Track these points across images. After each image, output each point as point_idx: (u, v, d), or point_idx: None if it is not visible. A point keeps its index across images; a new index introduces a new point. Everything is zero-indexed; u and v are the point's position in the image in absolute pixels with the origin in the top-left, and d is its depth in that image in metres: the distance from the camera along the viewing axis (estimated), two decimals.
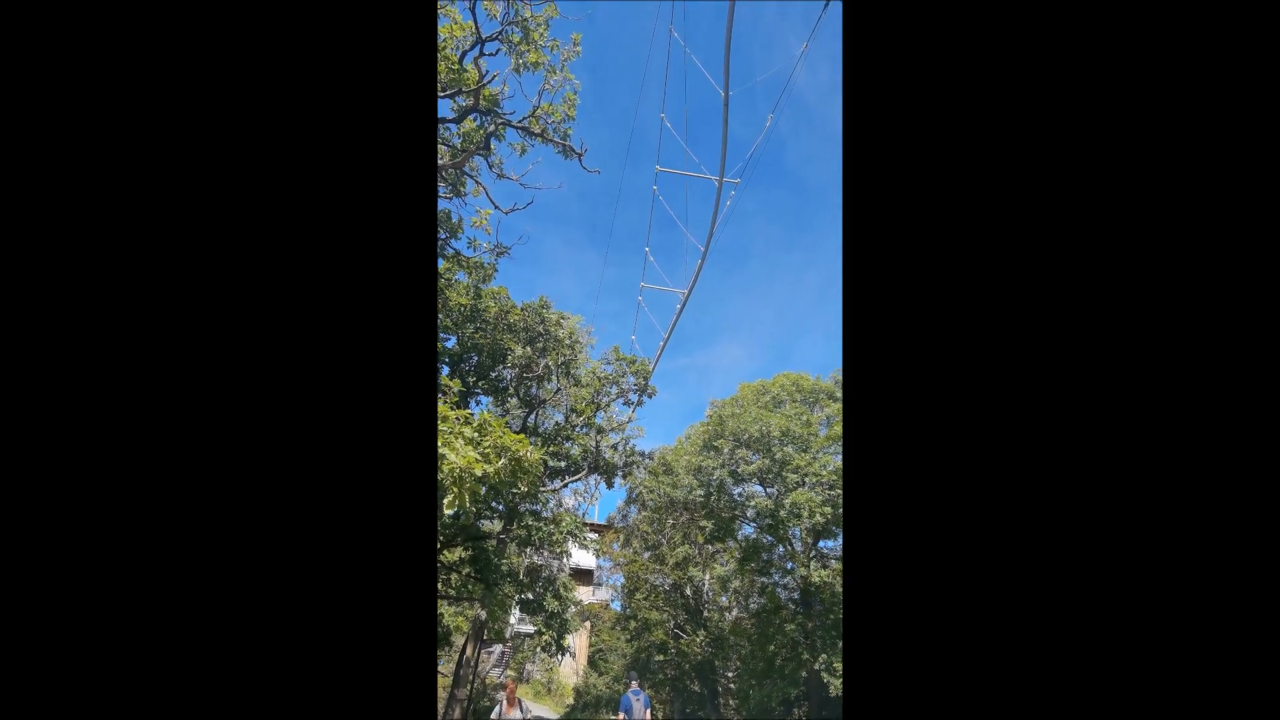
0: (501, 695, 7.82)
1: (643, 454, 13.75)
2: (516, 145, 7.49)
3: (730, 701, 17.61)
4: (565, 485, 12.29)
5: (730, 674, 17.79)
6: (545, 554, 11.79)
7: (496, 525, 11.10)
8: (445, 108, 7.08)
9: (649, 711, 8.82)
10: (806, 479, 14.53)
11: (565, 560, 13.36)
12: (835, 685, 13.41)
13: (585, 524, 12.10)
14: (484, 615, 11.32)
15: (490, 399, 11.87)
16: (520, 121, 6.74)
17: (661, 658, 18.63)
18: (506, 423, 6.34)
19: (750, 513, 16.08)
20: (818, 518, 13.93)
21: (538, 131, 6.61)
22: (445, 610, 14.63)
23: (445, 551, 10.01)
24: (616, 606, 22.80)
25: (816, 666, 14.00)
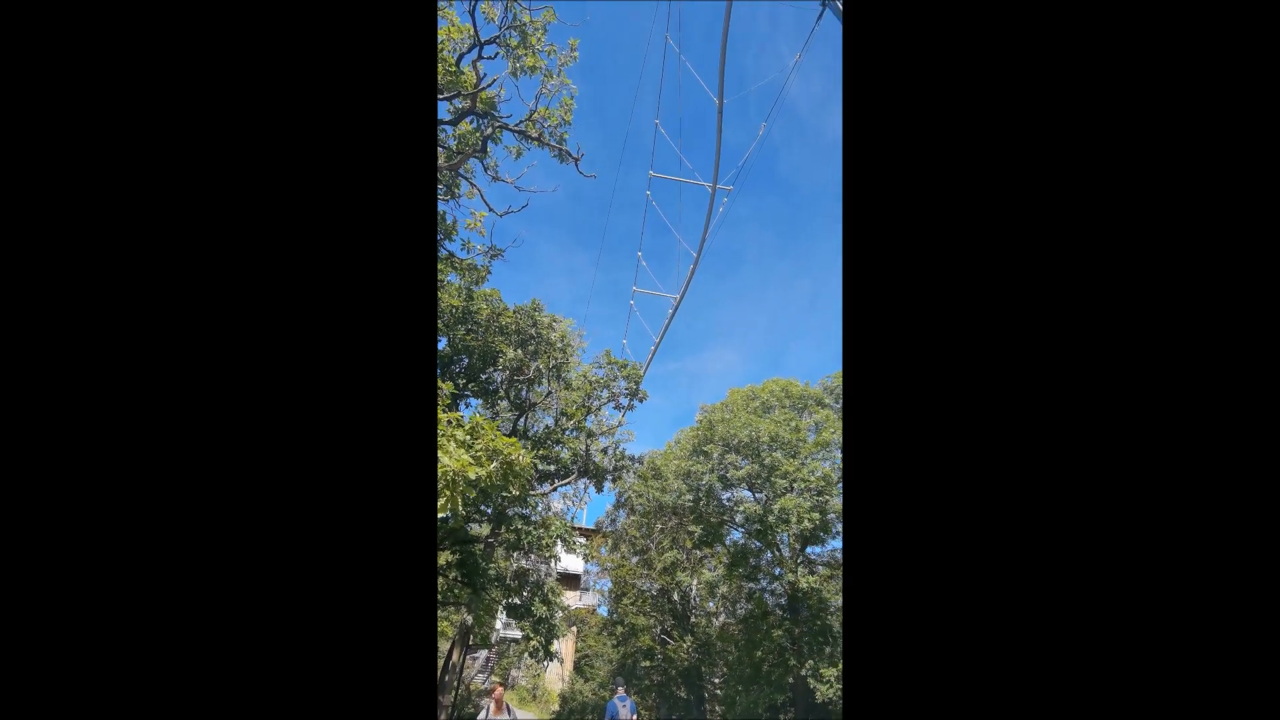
0: (486, 701, 7.75)
1: (632, 458, 13.75)
2: (512, 148, 7.50)
3: (716, 708, 17.59)
4: (555, 489, 12.25)
5: (717, 680, 17.78)
6: (534, 558, 11.72)
7: (485, 529, 11.03)
8: (442, 109, 7.07)
9: (635, 718, 8.78)
10: (795, 484, 14.62)
11: (553, 565, 13.29)
12: (821, 691, 13.46)
13: (574, 528, 12.05)
14: (470, 620, 11.21)
15: (480, 401, 11.81)
16: (517, 125, 6.76)
17: (648, 663, 18.57)
18: (497, 426, 6.32)
19: (739, 518, 16.13)
20: (806, 523, 14.02)
21: (535, 136, 6.62)
22: None
23: None
24: (603, 612, 22.70)
25: (803, 673, 14.05)
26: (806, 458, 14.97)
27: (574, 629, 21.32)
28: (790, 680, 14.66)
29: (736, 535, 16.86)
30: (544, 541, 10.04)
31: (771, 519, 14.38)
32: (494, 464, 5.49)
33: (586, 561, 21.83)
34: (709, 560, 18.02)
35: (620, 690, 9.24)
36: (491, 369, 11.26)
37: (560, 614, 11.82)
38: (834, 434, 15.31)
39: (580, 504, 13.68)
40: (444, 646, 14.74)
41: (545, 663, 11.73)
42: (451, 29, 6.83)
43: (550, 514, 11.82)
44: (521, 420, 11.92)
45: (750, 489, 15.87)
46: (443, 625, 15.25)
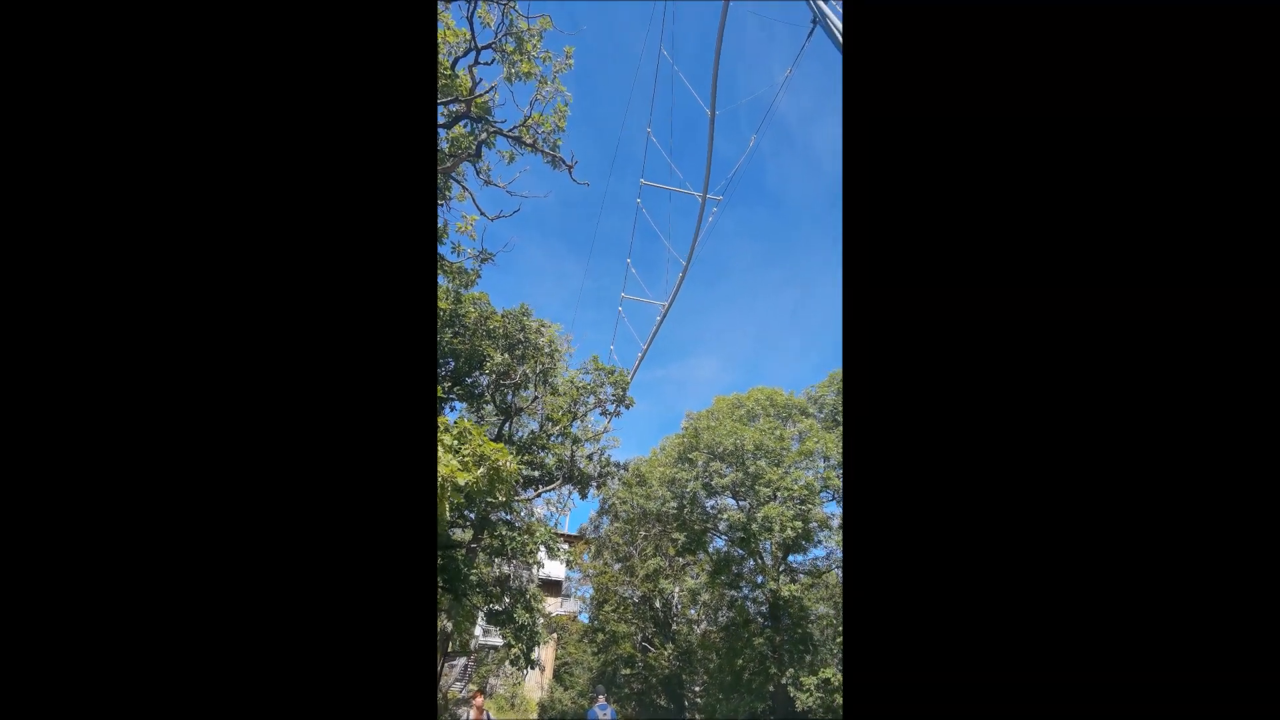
0: (464, 711, 7.64)
1: (618, 465, 13.73)
2: (505, 153, 7.51)
3: (696, 716, 17.55)
4: (539, 495, 12.17)
5: (697, 688, 17.75)
6: (516, 564, 11.62)
7: (467, 534, 10.91)
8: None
9: None
10: (778, 493, 14.73)
11: (535, 571, 13.18)
12: (801, 699, 13.52)
13: (557, 535, 11.98)
14: (450, 627, 11.06)
15: (465, 405, 11.70)
16: (511, 131, 6.77)
17: (628, 671, 18.46)
18: (484, 431, 6.27)
19: (722, 525, 16.19)
20: (788, 532, 14.12)
21: (529, 142, 6.64)
22: None
23: None
24: (584, 619, 22.53)
25: (783, 681, 14.11)
26: (790, 466, 15.11)
27: (554, 636, 21.12)
28: (771, 688, 14.71)
29: (719, 543, 16.91)
30: (528, 548, 9.96)
31: (755, 527, 14.46)
32: (481, 469, 5.45)
33: (569, 568, 21.68)
34: (691, 568, 18.03)
35: (601, 699, 9.19)
36: (477, 373, 11.18)
37: (542, 621, 11.72)
38: (817, 443, 15.48)
39: (564, 510, 13.60)
40: None
41: (526, 671, 11.60)
42: (447, 32, 6.83)
43: (534, 520, 11.74)
44: (507, 425, 11.84)
45: (734, 497, 15.95)
46: None
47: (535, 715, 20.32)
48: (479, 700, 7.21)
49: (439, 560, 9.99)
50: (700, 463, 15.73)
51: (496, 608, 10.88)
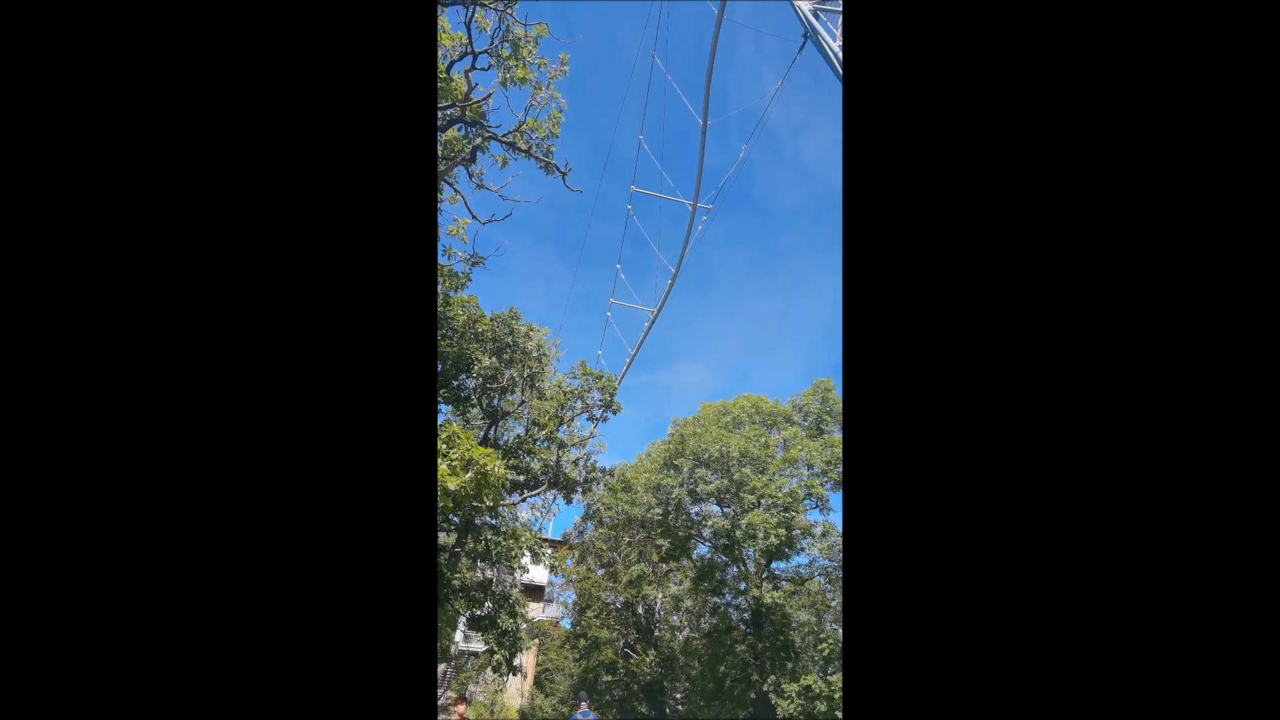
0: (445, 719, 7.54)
1: (603, 470, 13.70)
2: (498, 157, 7.51)
3: None
4: (524, 500, 12.10)
5: (679, 695, 17.71)
6: (500, 569, 11.51)
7: (450, 538, 10.79)
8: None
9: None
10: (762, 500, 14.82)
11: (519, 576, 13.07)
12: (783, 706, 13.57)
13: (542, 540, 11.90)
14: None
15: (451, 408, 11.60)
16: (505, 136, 6.79)
17: (609, 678, 18.36)
18: (472, 436, 6.24)
19: (706, 532, 16.23)
20: (772, 539, 14.21)
21: (524, 148, 6.66)
22: None
23: None
24: (566, 624, 22.37)
25: (765, 688, 14.15)
26: (774, 474, 15.22)
27: (536, 642, 20.92)
28: (752, 695, 14.74)
29: (703, 549, 16.94)
30: (513, 552, 9.89)
31: (739, 534, 14.53)
32: (469, 474, 5.41)
33: (553, 573, 21.52)
34: (675, 574, 18.02)
35: (584, 705, 9.14)
36: (464, 375, 11.10)
37: (525, 626, 11.62)
38: (801, 451, 15.62)
39: (548, 515, 13.52)
40: None
41: (507, 677, 11.48)
42: (443, 36, 6.84)
43: (518, 525, 11.66)
44: (493, 429, 11.77)
45: (719, 503, 16.01)
46: None
47: None
48: (460, 708, 7.12)
49: None
50: (686, 469, 15.77)
51: (478, 613, 10.76)
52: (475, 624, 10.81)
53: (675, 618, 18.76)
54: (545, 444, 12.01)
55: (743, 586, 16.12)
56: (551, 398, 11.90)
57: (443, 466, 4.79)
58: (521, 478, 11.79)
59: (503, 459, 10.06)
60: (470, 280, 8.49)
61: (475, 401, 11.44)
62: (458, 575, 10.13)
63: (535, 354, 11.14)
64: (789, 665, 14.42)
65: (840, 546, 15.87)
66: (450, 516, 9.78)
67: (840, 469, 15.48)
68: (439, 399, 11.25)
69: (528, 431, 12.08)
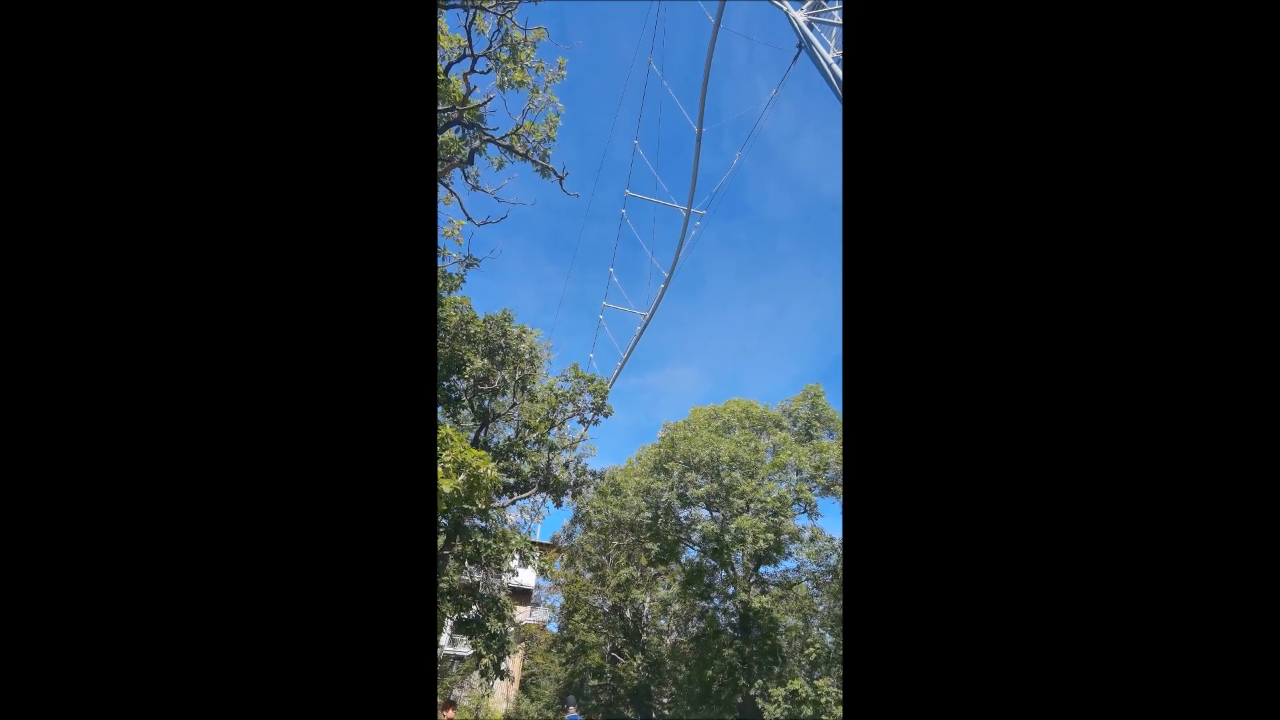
0: None
1: (593, 473, 13.69)
2: (494, 159, 7.53)
3: None
4: (513, 502, 12.05)
5: (665, 699, 17.69)
6: (488, 572, 11.44)
7: (439, 541, 10.72)
8: None
9: None
10: (751, 505, 14.90)
11: (506, 579, 13.00)
12: (770, 710, 13.62)
13: (531, 543, 11.86)
14: None
15: (441, 409, 11.54)
16: (503, 139, 6.80)
17: (596, 682, 18.29)
18: (465, 438, 6.22)
19: (695, 536, 16.27)
20: (760, 543, 14.29)
21: (522, 152, 6.68)
22: None
23: None
24: (553, 628, 22.25)
25: (752, 692, 14.20)
26: (764, 479, 15.31)
27: (522, 645, 20.80)
28: (739, 699, 14.78)
29: (692, 553, 16.97)
30: (503, 555, 9.85)
31: (728, 538, 14.58)
32: (461, 476, 5.41)
33: (541, 576, 21.40)
34: (663, 578, 18.03)
35: (572, 709, 9.11)
36: (455, 377, 11.05)
37: (513, 630, 11.55)
38: (790, 456, 15.74)
39: (537, 518, 13.48)
40: None
41: (494, 681, 11.40)
42: (441, 37, 6.84)
43: (508, 527, 11.61)
44: (483, 431, 11.72)
45: (708, 508, 16.06)
46: None
47: None
48: (449, 714, 7.06)
49: None
50: (676, 473, 15.81)
51: (466, 616, 10.69)
52: (462, 627, 10.73)
53: (663, 621, 18.76)
54: (536, 446, 11.98)
55: (731, 591, 16.17)
56: (543, 400, 11.88)
57: (438, 470, 4.79)
58: (511, 480, 11.75)
59: (493, 461, 10.01)
60: (464, 282, 8.48)
61: (466, 403, 11.39)
62: (445, 578, 10.06)
63: (527, 356, 11.13)
64: (776, 670, 14.48)
65: (827, 551, 15.99)
66: (440, 519, 9.71)
67: (829, 474, 15.60)
68: None
69: (518, 434, 12.04)
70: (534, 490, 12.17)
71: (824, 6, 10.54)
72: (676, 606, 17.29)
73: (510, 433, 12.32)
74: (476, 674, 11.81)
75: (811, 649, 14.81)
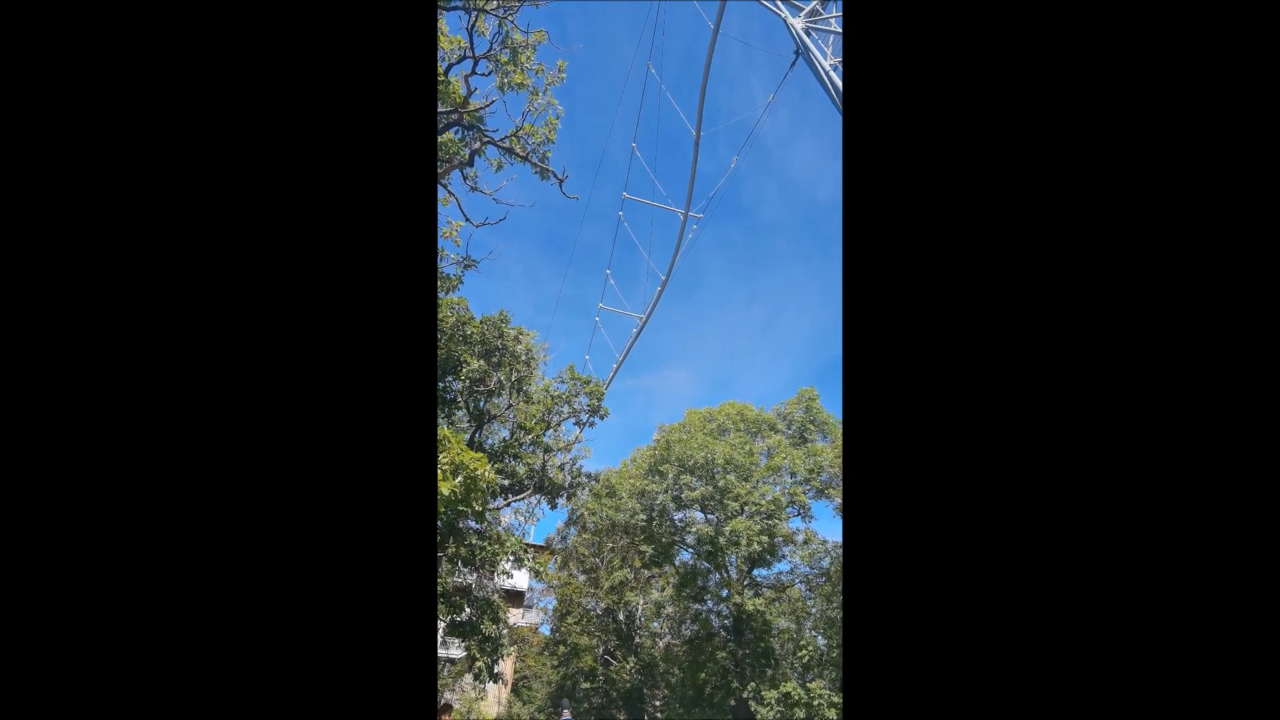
0: None
1: (588, 475, 13.67)
2: (493, 160, 7.52)
3: None
4: (508, 504, 12.01)
5: (658, 702, 17.67)
6: (490, 574, 11.39)
7: None
8: None
9: None
10: (746, 507, 14.94)
11: (500, 581, 12.95)
12: (762, 714, 13.64)
13: (526, 545, 11.82)
14: None
15: (436, 410, 11.48)
16: (502, 141, 6.81)
17: (589, 685, 18.24)
18: (463, 440, 6.21)
19: (689, 539, 16.28)
20: (754, 546, 14.32)
21: (522, 155, 6.69)
22: None
23: None
24: (545, 630, 22.17)
25: (745, 695, 14.21)
26: (758, 481, 15.36)
27: (514, 648, 20.71)
28: (732, 702, 14.79)
29: (686, 556, 16.99)
30: (497, 557, 9.81)
31: (722, 541, 14.61)
32: (458, 478, 5.40)
33: (535, 579, 21.33)
34: (657, 580, 18.02)
35: (566, 713, 9.09)
36: (451, 378, 11.01)
37: (507, 632, 11.50)
38: (785, 459, 15.79)
39: (531, 520, 13.44)
40: None
41: (488, 684, 11.35)
42: (441, 38, 6.84)
43: (502, 529, 11.57)
44: (478, 432, 11.68)
45: (703, 510, 16.08)
46: None
47: None
48: (448, 715, 7.02)
49: None
50: (671, 475, 15.82)
51: (459, 618, 10.63)
52: (455, 630, 10.67)
53: (656, 624, 18.74)
54: (531, 448, 11.95)
55: (724, 593, 16.19)
56: (538, 402, 11.86)
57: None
58: (506, 481, 11.71)
59: (488, 463, 9.96)
60: (462, 283, 8.46)
61: (462, 404, 11.35)
62: (439, 580, 10.01)
63: (524, 357, 11.11)
64: (769, 672, 14.51)
65: (821, 554, 16.05)
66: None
67: (823, 477, 15.67)
68: None
69: (513, 435, 12.01)
70: (529, 492, 12.14)
71: (821, 14, 10.63)
72: (670, 609, 17.29)
73: (505, 434, 12.29)
74: (469, 677, 11.75)
75: (804, 651, 14.85)
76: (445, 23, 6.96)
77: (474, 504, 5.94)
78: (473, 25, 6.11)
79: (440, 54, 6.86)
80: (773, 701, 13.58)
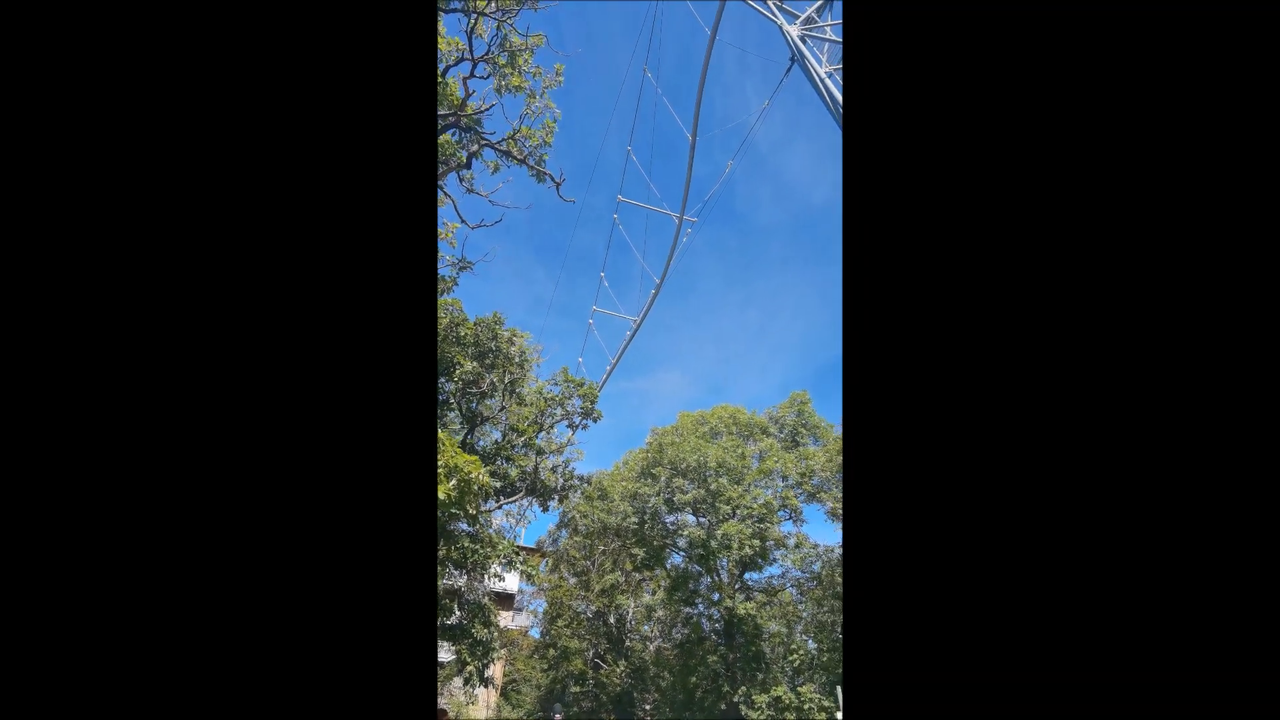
0: None
1: (580, 478, 13.65)
2: (490, 163, 7.52)
3: None
4: (499, 506, 11.96)
5: (648, 706, 17.63)
6: (481, 577, 11.33)
7: None
8: None
9: None
10: (738, 511, 14.98)
11: (491, 584, 12.88)
12: (753, 716, 13.65)
13: (517, 548, 11.78)
14: None
15: None
16: (500, 143, 6.81)
17: (578, 688, 18.16)
18: (457, 443, 6.18)
19: (681, 542, 16.29)
20: (746, 549, 14.36)
21: (520, 158, 6.69)
22: None
23: None
24: (535, 634, 22.06)
25: (735, 699, 14.22)
26: (750, 485, 15.41)
27: (504, 651, 20.58)
28: (723, 706, 14.79)
29: (677, 559, 16.99)
30: (489, 560, 9.76)
31: (714, 544, 14.64)
32: (453, 482, 5.37)
33: (527, 582, 21.23)
34: (649, 583, 18.00)
35: (558, 717, 9.04)
36: (444, 379, 10.95)
37: (498, 635, 11.44)
38: (776, 463, 15.86)
39: (521, 522, 13.38)
40: None
41: (479, 688, 11.28)
42: (439, 40, 6.83)
43: (493, 532, 11.51)
44: (470, 434, 11.62)
45: (694, 513, 16.10)
46: None
47: None
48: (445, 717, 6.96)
49: None
50: (663, 478, 15.83)
51: (449, 621, 10.56)
52: (445, 633, 10.59)
53: (647, 627, 18.71)
54: (524, 450, 11.91)
55: (716, 597, 16.21)
56: (531, 404, 11.83)
57: None
58: (498, 484, 11.66)
59: (481, 465, 9.92)
60: (457, 285, 8.43)
61: (454, 405, 11.29)
62: None
63: (517, 359, 11.08)
64: (759, 676, 14.54)
65: (812, 558, 16.12)
66: None
67: (815, 481, 15.75)
68: None
69: (505, 437, 11.97)
70: (521, 494, 12.09)
71: (817, 21, 10.73)
72: (661, 612, 17.27)
73: (498, 436, 12.24)
74: (458, 681, 11.67)
75: (795, 655, 14.90)
76: (443, 24, 6.96)
77: (468, 507, 5.91)
78: (472, 28, 6.11)
79: (438, 55, 6.86)
80: (763, 705, 13.60)
